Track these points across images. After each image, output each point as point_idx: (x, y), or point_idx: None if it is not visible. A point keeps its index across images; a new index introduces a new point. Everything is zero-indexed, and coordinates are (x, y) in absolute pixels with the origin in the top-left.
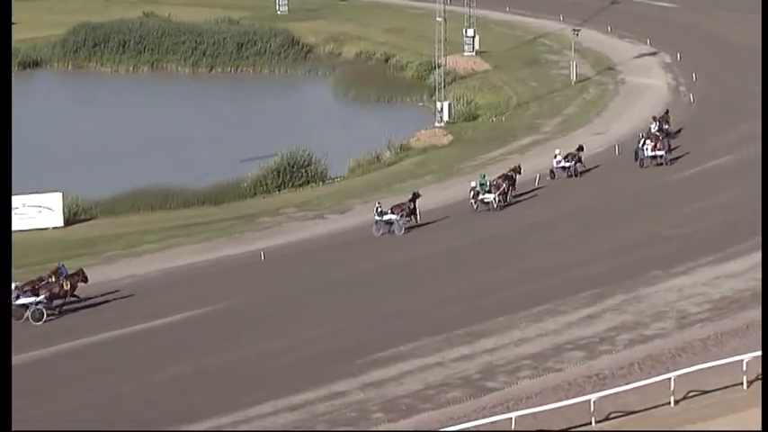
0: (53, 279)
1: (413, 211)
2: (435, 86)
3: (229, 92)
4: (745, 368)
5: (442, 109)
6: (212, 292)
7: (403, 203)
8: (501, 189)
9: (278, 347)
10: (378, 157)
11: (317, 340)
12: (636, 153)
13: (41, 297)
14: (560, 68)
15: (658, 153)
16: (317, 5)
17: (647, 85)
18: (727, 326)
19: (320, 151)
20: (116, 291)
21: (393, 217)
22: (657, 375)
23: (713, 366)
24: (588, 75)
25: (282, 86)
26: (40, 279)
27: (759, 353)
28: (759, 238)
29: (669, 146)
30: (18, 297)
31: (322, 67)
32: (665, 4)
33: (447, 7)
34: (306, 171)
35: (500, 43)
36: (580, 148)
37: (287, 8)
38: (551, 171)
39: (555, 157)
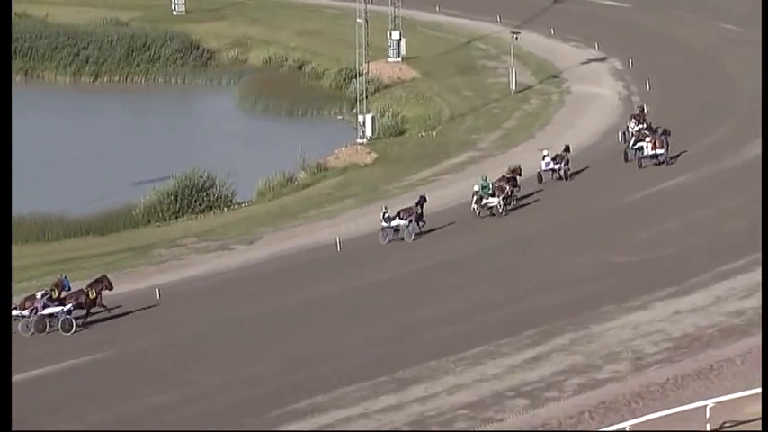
0: (55, 293)
1: (420, 216)
2: (356, 97)
3: (118, 104)
4: (708, 415)
5: (364, 123)
6: (98, 337)
7: (410, 207)
8: (505, 192)
9: (174, 399)
10: (291, 179)
11: (221, 390)
12: (626, 154)
13: (68, 306)
14: (498, 76)
15: (659, 152)
16: (218, 4)
17: (596, 94)
18: (688, 367)
19: (224, 172)
20: None
21: (401, 223)
22: (611, 425)
23: (673, 414)
24: (529, 83)
25: (180, 98)
26: (44, 294)
27: (724, 397)
28: (724, 268)
29: (667, 144)
30: (45, 306)
31: (225, 76)
32: (616, 4)
33: (369, 7)
34: (208, 195)
35: (429, 48)
36: (567, 149)
37: (184, 8)
38: (539, 174)
39: (543, 158)
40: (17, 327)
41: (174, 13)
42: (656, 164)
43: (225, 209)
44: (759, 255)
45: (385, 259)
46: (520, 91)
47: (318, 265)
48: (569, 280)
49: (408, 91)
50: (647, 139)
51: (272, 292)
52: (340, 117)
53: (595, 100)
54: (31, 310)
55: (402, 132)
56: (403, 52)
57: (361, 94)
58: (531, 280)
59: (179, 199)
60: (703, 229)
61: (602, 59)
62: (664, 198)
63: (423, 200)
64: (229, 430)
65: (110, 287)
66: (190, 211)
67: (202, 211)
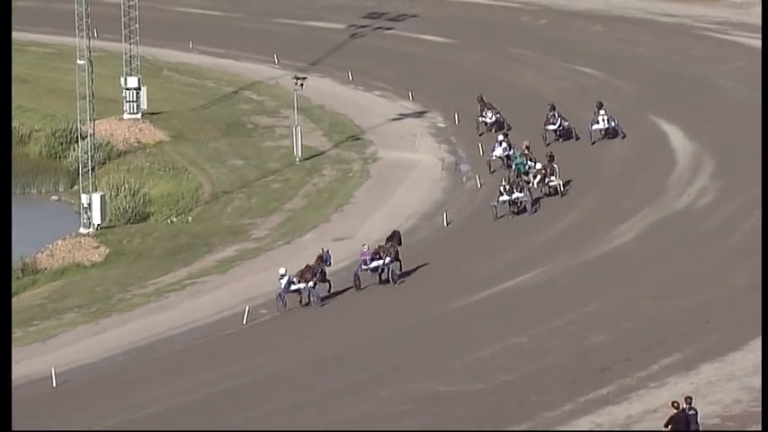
0: (325, 267)
1: (550, 175)
2: (79, 169)
3: None
4: None
5: (89, 205)
6: None
7: (545, 167)
8: (546, 174)
9: None
10: None
11: None
12: (544, 133)
13: (388, 260)
14: (277, 138)
15: (612, 124)
16: None
17: (412, 161)
18: None
19: None
20: None
21: (520, 195)
22: None
23: None
24: (321, 148)
25: None
26: (308, 266)
27: None
28: (589, 398)
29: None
30: (366, 262)
31: None
32: (435, 39)
33: (95, 42)
34: None
35: (181, 99)
36: (504, 133)
37: None
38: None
39: (500, 143)
40: (281, 301)
41: None
42: (609, 137)
43: None
44: (631, 379)
45: (106, 398)
46: (308, 158)
47: (24, 409)
48: (379, 416)
49: (153, 159)
50: (602, 111)
51: None
52: (55, 198)
53: (411, 170)
54: (315, 283)
55: (145, 218)
56: (144, 106)
57: (86, 165)
58: (330, 418)
59: None
60: (560, 345)
61: (420, 114)
62: (509, 300)
63: (552, 157)
64: (238, 430)
65: (400, 242)
66: None
67: None
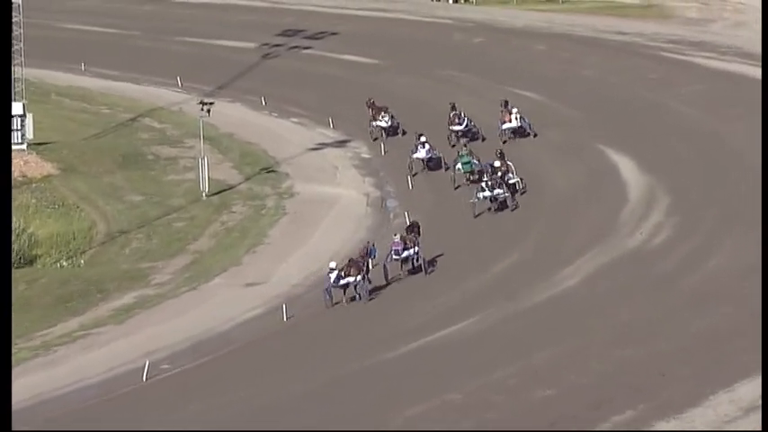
0: (370, 262)
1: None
2: None
3: None
4: None
5: None
6: None
7: (497, 175)
8: (506, 171)
9: None
10: None
11: None
12: (449, 134)
13: (417, 249)
14: (181, 171)
15: (523, 124)
16: None
17: (333, 197)
18: None
19: None
20: None
21: (500, 191)
22: None
23: None
24: (231, 181)
25: None
26: (353, 260)
27: None
28: None
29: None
30: (397, 252)
31: None
32: (359, 59)
33: None
34: None
35: (73, 128)
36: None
37: None
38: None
39: (423, 145)
40: (329, 296)
41: None
42: (519, 137)
43: None
44: None
45: None
46: (216, 193)
47: None
48: None
49: (40, 196)
50: (514, 110)
51: None
52: None
53: (332, 206)
54: (363, 277)
55: (31, 261)
56: (30, 135)
57: None
58: None
59: None
60: (500, 401)
61: (341, 143)
62: (441, 352)
63: (503, 154)
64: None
65: (419, 232)
66: None
67: None
